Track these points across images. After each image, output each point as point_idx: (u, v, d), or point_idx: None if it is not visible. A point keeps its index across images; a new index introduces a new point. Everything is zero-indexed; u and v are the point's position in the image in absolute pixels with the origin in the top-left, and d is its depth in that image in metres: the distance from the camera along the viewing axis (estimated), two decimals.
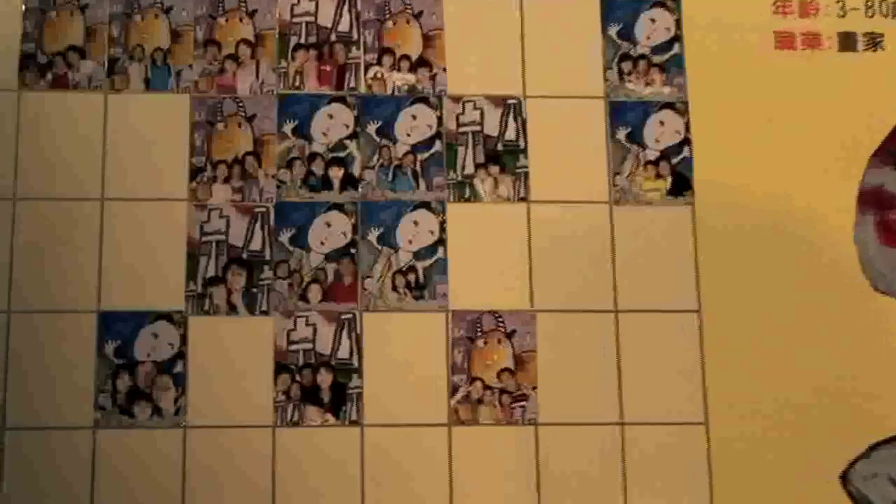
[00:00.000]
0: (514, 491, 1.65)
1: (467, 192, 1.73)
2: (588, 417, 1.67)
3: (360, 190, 1.70)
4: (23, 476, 1.61)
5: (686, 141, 1.78)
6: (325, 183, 1.70)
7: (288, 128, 1.71)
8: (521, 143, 1.73)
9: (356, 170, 1.71)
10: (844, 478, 1.65)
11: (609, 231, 1.74)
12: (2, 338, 1.63)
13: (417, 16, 1.77)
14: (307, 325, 1.64)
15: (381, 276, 1.68)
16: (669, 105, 1.79)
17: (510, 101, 1.75)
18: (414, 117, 1.72)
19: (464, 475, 1.64)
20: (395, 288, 1.67)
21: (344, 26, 1.78)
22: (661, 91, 1.79)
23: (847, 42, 1.81)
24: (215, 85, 1.72)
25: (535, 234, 1.70)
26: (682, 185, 1.78)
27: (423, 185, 1.72)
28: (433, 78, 1.76)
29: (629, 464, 1.66)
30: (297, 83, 1.73)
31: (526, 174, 1.73)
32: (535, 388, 1.68)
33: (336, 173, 1.71)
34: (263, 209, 1.68)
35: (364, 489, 1.63)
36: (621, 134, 1.77)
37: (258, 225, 1.67)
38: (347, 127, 1.71)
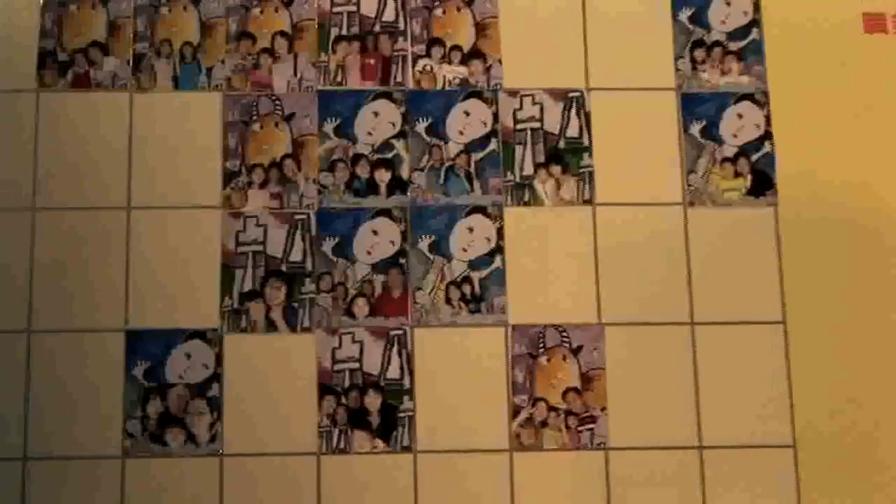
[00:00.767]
0: None
1: (526, 195, 1.72)
2: (663, 441, 1.65)
3: (408, 194, 1.70)
4: None
5: (766, 135, 1.76)
6: (371, 187, 1.71)
7: (329, 127, 1.72)
8: (585, 141, 1.73)
9: (404, 172, 1.71)
10: None
11: (683, 235, 1.72)
12: (21, 360, 1.63)
13: (469, 3, 1.77)
14: (353, 342, 1.65)
15: (433, 288, 1.67)
16: (748, 96, 1.77)
17: (572, 95, 1.75)
18: (467, 114, 1.73)
19: None
20: (448, 301, 1.67)
21: (389, 15, 1.77)
22: (739, 81, 1.78)
23: None
24: (249, 82, 1.73)
25: (602, 240, 1.70)
26: (762, 184, 1.76)
27: (477, 187, 1.71)
28: (487, 70, 1.75)
29: (709, 492, 1.64)
30: (338, 78, 1.74)
31: (591, 174, 1.72)
32: (604, 409, 1.66)
33: (382, 176, 1.71)
34: (304, 216, 1.69)
35: None
36: (695, 129, 1.76)
37: (298, 234, 1.68)
38: (394, 125, 1.72)
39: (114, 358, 1.63)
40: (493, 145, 1.73)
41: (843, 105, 1.74)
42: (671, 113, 1.74)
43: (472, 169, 1.72)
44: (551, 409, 1.66)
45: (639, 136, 1.73)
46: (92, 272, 1.65)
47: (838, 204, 1.72)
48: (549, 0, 1.75)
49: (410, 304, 1.67)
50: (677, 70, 1.76)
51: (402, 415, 1.65)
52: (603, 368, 1.66)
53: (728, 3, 1.77)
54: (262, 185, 1.70)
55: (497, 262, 1.68)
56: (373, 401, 1.65)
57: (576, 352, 1.67)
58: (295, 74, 1.74)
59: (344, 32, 1.75)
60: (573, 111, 1.74)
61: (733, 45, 1.78)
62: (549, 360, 1.67)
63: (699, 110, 1.75)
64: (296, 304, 1.66)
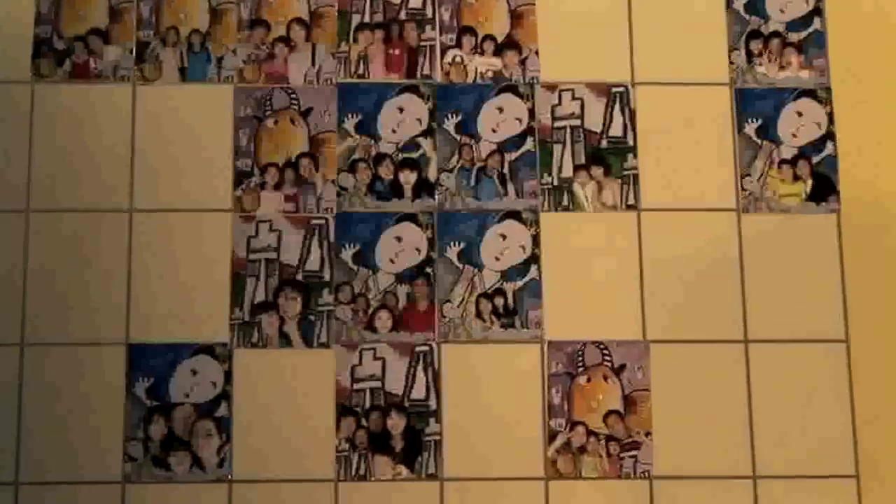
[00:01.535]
0: None
1: (565, 199, 1.71)
2: (713, 470, 1.64)
3: (436, 197, 1.71)
4: None
5: (829, 135, 1.75)
6: (395, 189, 1.71)
7: (350, 124, 1.72)
8: (630, 140, 1.73)
9: (431, 173, 1.72)
10: None
11: (737, 245, 1.71)
12: (13, 375, 1.63)
13: None
14: (375, 358, 1.65)
15: (462, 301, 1.68)
16: (808, 92, 1.76)
17: (616, 90, 1.74)
18: (500, 110, 1.73)
19: None
20: (479, 314, 1.67)
21: (416, 2, 1.77)
22: (799, 76, 1.77)
23: None
24: (263, 74, 1.74)
25: (648, 250, 1.70)
26: (824, 189, 1.75)
27: (511, 190, 1.71)
28: (523, 62, 1.75)
29: None
30: (360, 70, 1.74)
31: (635, 177, 1.72)
32: (648, 434, 1.66)
33: (408, 178, 1.71)
34: (322, 221, 1.69)
35: None
36: (750, 128, 1.75)
37: (315, 240, 1.69)
38: (421, 122, 1.72)
39: (114, 374, 1.63)
40: (528, 144, 1.73)
41: None
42: (724, 110, 1.74)
43: (505, 170, 1.72)
44: (591, 433, 1.65)
45: (688, 136, 1.73)
46: (90, 280, 1.65)
47: None
48: None
49: (437, 318, 1.67)
50: (731, 63, 1.75)
51: (427, 439, 1.64)
52: (648, 390, 1.66)
53: None
54: (277, 187, 1.70)
55: (532, 272, 1.68)
56: (396, 423, 1.64)
57: (618, 371, 1.66)
58: (313, 66, 1.74)
59: (366, 20, 1.75)
60: (617, 107, 1.74)
61: (793, 37, 1.78)
62: (588, 381, 1.66)
63: (755, 107, 1.75)
64: (312, 317, 1.66)
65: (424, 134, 1.72)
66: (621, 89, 1.74)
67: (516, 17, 1.75)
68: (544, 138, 1.73)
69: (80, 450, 1.61)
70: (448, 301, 1.68)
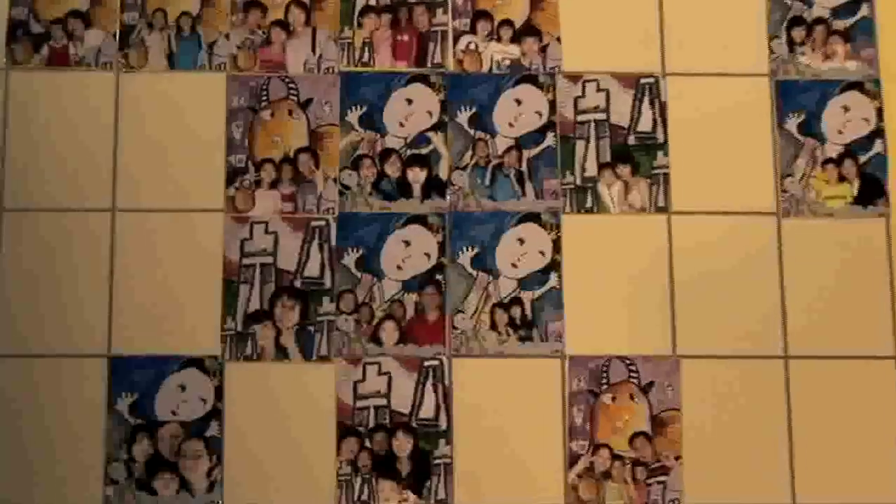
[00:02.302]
0: None
1: (589, 201, 1.71)
2: (749, 498, 1.64)
3: (447, 197, 1.70)
4: None
5: (878, 132, 1.75)
6: (403, 188, 1.71)
7: (353, 116, 1.72)
8: (660, 136, 1.73)
9: (443, 171, 1.72)
10: None
11: (776, 251, 1.71)
12: None
13: None
14: (379, 374, 1.65)
15: (476, 311, 1.67)
16: (856, 85, 1.76)
17: (645, 81, 1.74)
18: (518, 102, 1.73)
19: None
20: (494, 326, 1.67)
21: None
22: (845, 67, 1.77)
23: None
24: (258, 61, 1.74)
25: (679, 256, 1.70)
26: (872, 191, 1.74)
27: (530, 190, 1.71)
28: (543, 50, 1.75)
29: None
30: (365, 58, 1.74)
31: (666, 177, 1.72)
32: (678, 458, 1.66)
33: (416, 176, 1.71)
34: (322, 223, 1.69)
35: None
36: (791, 123, 1.75)
37: (315, 243, 1.69)
38: (431, 115, 1.72)
39: (94, 389, 1.63)
40: (548, 140, 1.73)
41: None
42: (763, 104, 1.74)
43: (523, 168, 1.72)
44: (616, 457, 1.65)
45: (724, 132, 1.73)
46: (68, 286, 1.65)
47: None
48: None
49: (448, 330, 1.67)
50: (771, 53, 1.76)
51: (437, 461, 1.64)
52: (678, 409, 1.66)
53: None
54: (273, 185, 1.70)
55: (552, 280, 1.69)
56: (402, 444, 1.64)
57: (646, 389, 1.67)
58: (313, 52, 1.74)
59: (372, 2, 1.76)
60: (646, 100, 1.74)
61: (839, 24, 1.77)
62: (613, 399, 1.66)
63: (797, 101, 1.74)
64: (311, 328, 1.66)
65: (435, 128, 1.72)
66: (651, 80, 1.74)
67: (536, 0, 1.76)
68: (566, 133, 1.73)
69: (58, 472, 1.60)
70: (460, 311, 1.68)
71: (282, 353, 1.66)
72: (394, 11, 1.75)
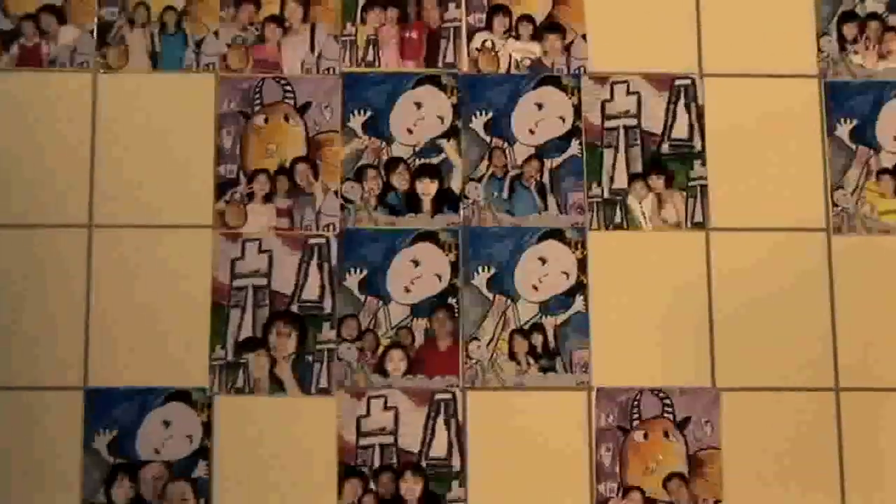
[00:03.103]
0: None
1: (618, 216, 1.71)
2: None
3: (461, 212, 1.70)
4: None
5: None
6: (411, 202, 1.70)
7: (356, 122, 1.72)
8: (697, 144, 1.73)
9: (455, 183, 1.71)
10: None
11: (826, 271, 1.70)
12: None
13: None
14: (385, 408, 1.65)
15: (492, 339, 1.67)
16: None
17: (680, 83, 1.74)
18: (539, 106, 1.73)
19: None
20: (513, 355, 1.67)
21: None
22: None
23: None
24: (251, 60, 1.74)
25: (719, 277, 1.69)
26: None
27: (552, 204, 1.71)
28: (567, 49, 1.75)
29: None
30: (369, 57, 1.74)
31: (703, 189, 1.72)
32: (718, 502, 1.65)
33: (427, 188, 1.71)
34: (322, 240, 1.69)
35: None
36: (843, 130, 1.74)
37: (314, 263, 1.68)
38: (442, 120, 1.73)
39: (69, 425, 1.62)
40: (573, 148, 1.73)
41: None
42: (812, 108, 1.74)
43: (545, 180, 1.72)
44: (648, 501, 1.64)
45: (768, 139, 1.73)
46: (41, 310, 1.64)
47: None
48: None
49: (462, 359, 1.66)
50: (820, 51, 1.76)
51: None
52: (717, 448, 1.65)
53: None
54: (267, 199, 1.70)
55: (578, 304, 1.69)
56: (411, 486, 1.64)
57: (682, 425, 1.66)
58: (311, 51, 1.74)
59: None
60: (681, 104, 1.74)
61: (894, 19, 1.77)
62: (645, 436, 1.66)
63: (849, 105, 1.74)
64: (310, 357, 1.66)
65: (447, 135, 1.72)
66: (686, 82, 1.74)
67: None
68: (593, 141, 1.73)
69: None
70: (475, 339, 1.67)
71: (277, 385, 1.65)
72: (401, 5, 1.76)
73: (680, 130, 1.74)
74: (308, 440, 1.64)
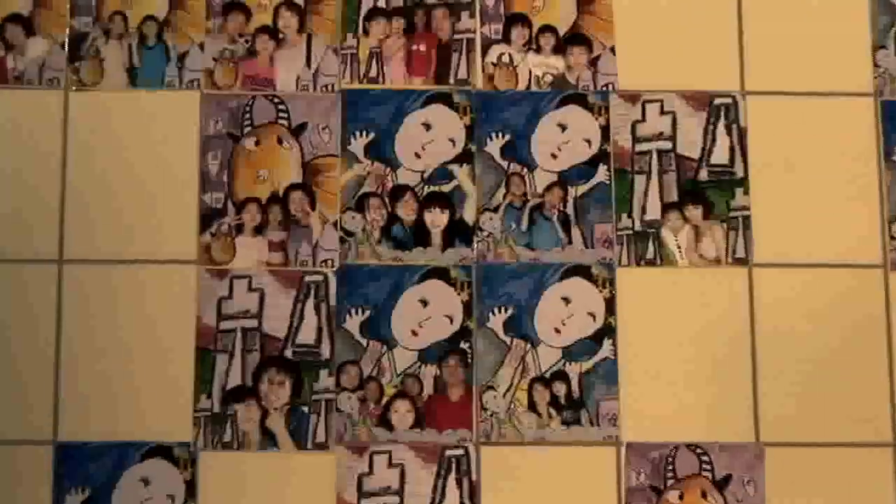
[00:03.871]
0: None
1: (650, 250, 1.71)
2: None
3: (475, 246, 1.70)
4: None
5: None
6: (419, 234, 1.70)
7: (358, 145, 1.72)
8: (739, 170, 1.73)
9: (469, 213, 1.71)
10: None
11: (883, 312, 1.70)
12: None
13: None
14: (390, 465, 1.65)
15: (510, 388, 1.66)
16: None
17: (720, 101, 1.74)
18: (563, 127, 1.73)
19: None
20: (533, 406, 1.66)
21: None
22: None
23: None
24: (241, 76, 1.73)
25: (763, 319, 1.69)
26: None
27: (577, 237, 1.70)
28: (594, 63, 1.75)
29: None
30: (372, 73, 1.74)
31: (746, 220, 1.72)
32: None
33: (436, 219, 1.71)
34: (319, 278, 1.68)
35: None
36: None
37: (310, 303, 1.68)
38: (454, 143, 1.73)
39: (37, 483, 1.62)
40: (600, 175, 1.72)
41: None
42: (866, 130, 1.74)
43: (569, 210, 1.71)
44: None
45: (818, 165, 1.73)
46: (5, 355, 1.65)
47: None
48: None
49: (476, 411, 1.66)
50: (876, 66, 1.76)
51: None
52: None
53: None
54: (258, 231, 1.70)
55: (605, 349, 1.68)
56: None
57: (721, 485, 1.65)
58: (308, 66, 1.74)
59: (381, 4, 1.76)
60: (721, 125, 1.74)
61: None
62: (681, 497, 1.65)
63: None
64: (306, 408, 1.66)
65: (459, 159, 1.72)
66: (727, 101, 1.74)
67: (585, 2, 1.76)
68: (622, 166, 1.73)
69: None
70: (490, 388, 1.67)
71: (269, 439, 1.65)
72: (408, 15, 1.76)
73: (720, 155, 1.74)
74: (303, 502, 1.64)
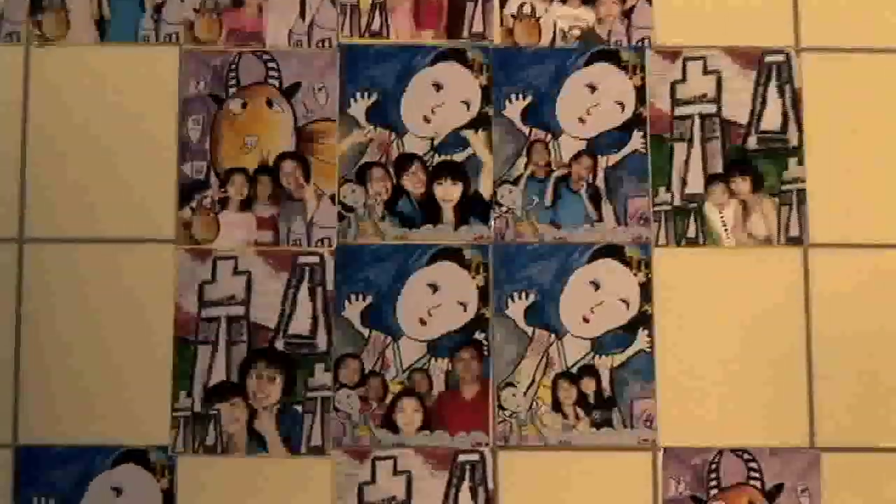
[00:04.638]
0: None
1: (692, 229, 1.67)
2: None
3: (492, 223, 1.65)
4: None
5: None
6: (428, 210, 1.66)
7: (359, 108, 1.69)
8: (793, 138, 1.69)
9: (484, 186, 1.66)
10: None
11: None
12: None
13: None
14: (396, 472, 1.62)
15: (532, 384, 1.62)
16: None
17: (771, 59, 1.71)
18: (592, 88, 1.70)
19: None
20: (557, 406, 1.62)
21: None
22: None
23: None
24: (225, 30, 1.69)
25: (820, 306, 1.65)
26: None
27: (608, 214, 1.67)
28: (628, 15, 1.72)
29: None
30: (375, 26, 1.70)
31: (801, 194, 1.68)
32: None
33: (448, 192, 1.67)
34: (314, 259, 1.64)
35: None
36: None
37: (304, 288, 1.64)
38: (468, 106, 1.69)
39: None
40: (635, 143, 1.68)
41: None
42: None
43: (599, 182, 1.68)
44: None
45: (883, 132, 1.69)
46: None
47: None
48: None
49: (493, 411, 1.63)
50: None
51: None
52: None
53: None
54: (245, 205, 1.67)
55: (640, 340, 1.65)
56: None
57: (772, 495, 1.62)
58: (301, 18, 1.71)
59: None
60: (773, 87, 1.70)
61: None
62: None
63: None
64: (299, 408, 1.63)
65: (474, 124, 1.68)
66: (780, 58, 1.70)
67: None
68: (660, 133, 1.69)
69: None
70: (509, 384, 1.63)
71: (257, 442, 1.62)
72: None
73: (771, 120, 1.70)
74: None
